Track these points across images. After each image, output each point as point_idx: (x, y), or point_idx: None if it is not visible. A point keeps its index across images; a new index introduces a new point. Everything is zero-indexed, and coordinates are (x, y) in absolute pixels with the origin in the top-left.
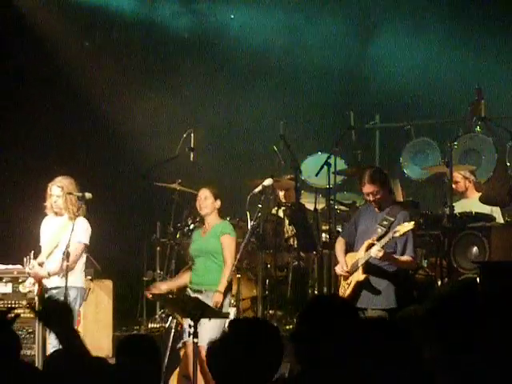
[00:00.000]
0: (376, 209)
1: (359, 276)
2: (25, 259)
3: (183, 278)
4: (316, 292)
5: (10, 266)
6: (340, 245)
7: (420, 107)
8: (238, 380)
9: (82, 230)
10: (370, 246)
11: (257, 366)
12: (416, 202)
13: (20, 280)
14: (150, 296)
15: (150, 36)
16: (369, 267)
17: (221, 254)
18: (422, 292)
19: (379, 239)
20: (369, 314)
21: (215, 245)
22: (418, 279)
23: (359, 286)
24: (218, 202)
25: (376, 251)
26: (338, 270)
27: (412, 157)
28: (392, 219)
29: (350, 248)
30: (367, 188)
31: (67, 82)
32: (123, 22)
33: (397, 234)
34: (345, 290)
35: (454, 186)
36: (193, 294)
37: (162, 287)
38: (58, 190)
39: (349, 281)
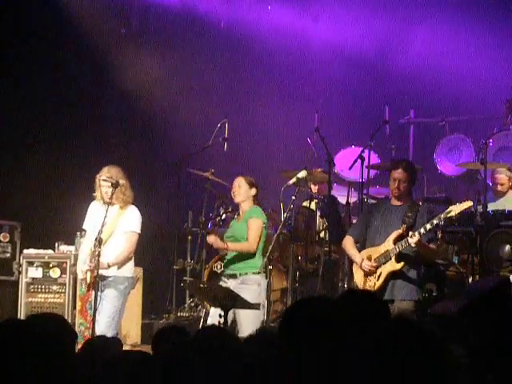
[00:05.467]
0: (394, 202)
1: (394, 266)
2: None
3: None
4: (345, 286)
5: (41, 251)
6: (350, 243)
7: (455, 103)
8: None
9: (135, 219)
10: (400, 236)
11: None
12: (449, 198)
13: (51, 265)
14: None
15: (187, 24)
16: (402, 257)
17: None
18: (452, 289)
19: (410, 228)
20: (396, 305)
21: (245, 229)
22: (449, 276)
23: (392, 276)
24: (254, 190)
25: (413, 238)
26: (365, 266)
27: (446, 153)
28: (416, 209)
29: (359, 246)
30: (399, 173)
31: (102, 70)
32: (160, 7)
33: (452, 214)
34: (373, 282)
35: (499, 187)
36: (226, 279)
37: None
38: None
39: (378, 273)
